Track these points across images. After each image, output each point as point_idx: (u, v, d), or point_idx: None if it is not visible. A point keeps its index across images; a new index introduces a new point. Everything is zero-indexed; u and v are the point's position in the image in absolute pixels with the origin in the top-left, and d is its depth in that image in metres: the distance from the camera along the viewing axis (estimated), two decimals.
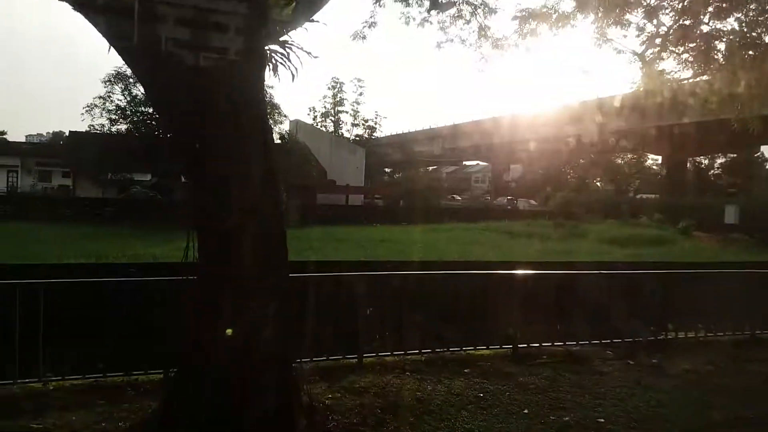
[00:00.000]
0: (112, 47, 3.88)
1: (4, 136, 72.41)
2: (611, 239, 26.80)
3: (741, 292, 9.06)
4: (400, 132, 75.37)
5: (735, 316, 8.99)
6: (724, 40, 9.21)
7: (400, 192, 49.49)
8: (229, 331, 4.01)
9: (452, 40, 9.56)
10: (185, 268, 4.51)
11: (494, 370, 6.47)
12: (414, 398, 5.47)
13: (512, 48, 9.58)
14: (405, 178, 52.70)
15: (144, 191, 30.88)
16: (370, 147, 60.27)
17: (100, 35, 3.84)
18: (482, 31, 9.35)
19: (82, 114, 34.58)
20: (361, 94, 66.47)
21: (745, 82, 8.61)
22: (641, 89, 10.42)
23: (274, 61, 4.82)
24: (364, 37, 9.27)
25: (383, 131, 71.00)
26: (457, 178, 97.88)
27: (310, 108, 69.17)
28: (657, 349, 7.79)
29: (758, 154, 56.74)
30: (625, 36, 10.27)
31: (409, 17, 9.37)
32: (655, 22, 9.82)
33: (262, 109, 4.39)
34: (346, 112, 66.55)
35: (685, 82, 10.20)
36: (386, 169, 64.93)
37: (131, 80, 31.24)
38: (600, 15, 9.20)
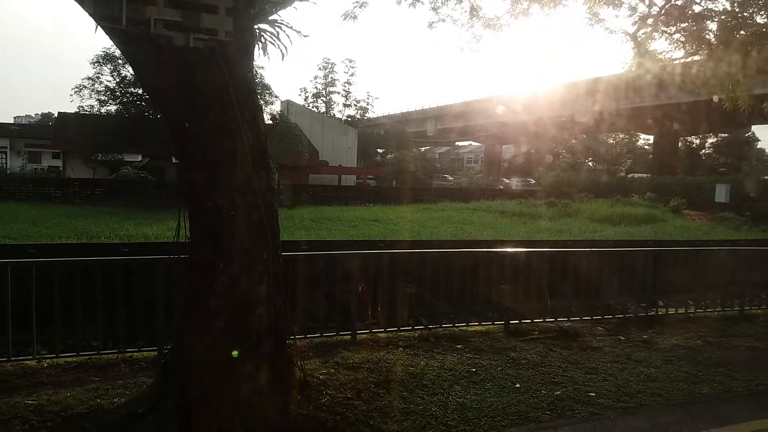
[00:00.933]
0: (99, 28, 3.84)
1: None
2: (603, 218, 26.99)
3: (729, 269, 9.19)
4: (393, 113, 75.21)
5: (724, 292, 9.11)
6: (716, 20, 9.18)
7: (392, 172, 49.53)
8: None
9: (444, 20, 9.43)
10: (177, 248, 4.51)
11: (486, 346, 6.54)
12: (407, 373, 5.52)
13: (504, 28, 9.48)
14: (397, 158, 52.59)
15: (135, 172, 30.57)
16: (362, 127, 60.12)
17: (87, 16, 3.79)
18: (474, 11, 9.24)
19: (71, 95, 34.08)
20: (352, 74, 66.25)
21: (737, 62, 8.60)
22: (633, 69, 10.37)
23: (263, 41, 4.79)
24: (354, 17, 9.11)
25: (375, 112, 70.85)
26: (449, 158, 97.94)
27: (301, 89, 68.85)
28: (648, 324, 7.90)
29: (749, 133, 56.89)
30: (617, 16, 10.24)
31: None
32: (647, 1, 9.75)
33: (251, 89, 4.35)
34: (338, 93, 66.31)
35: (677, 62, 10.16)
36: (378, 150, 64.77)
37: (120, 61, 30.77)
38: None
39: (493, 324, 7.43)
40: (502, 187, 50.51)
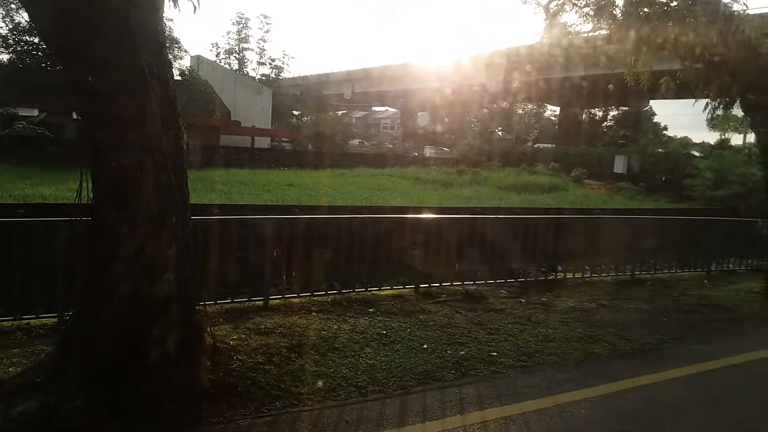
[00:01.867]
0: None
1: None
2: (509, 186, 28.22)
3: (623, 236, 9.91)
4: (310, 74, 73.56)
5: (617, 258, 9.84)
6: None
7: (308, 136, 48.72)
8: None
9: None
10: (79, 209, 4.28)
11: (397, 309, 6.74)
12: (319, 337, 5.60)
13: None
14: (313, 121, 51.74)
15: (31, 127, 28.16)
16: (278, 88, 58.47)
17: None
18: None
19: None
20: (267, 31, 64.14)
21: (639, 37, 9.10)
22: (544, 40, 10.73)
23: None
24: None
25: (291, 72, 69.09)
26: (366, 123, 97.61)
27: (212, 44, 65.89)
28: (547, 288, 8.42)
29: (647, 107, 60.53)
30: None
31: None
32: None
33: (161, 42, 4.13)
34: (252, 50, 63.99)
35: (586, 35, 10.60)
36: (294, 112, 63.43)
37: (13, 6, 28.08)
38: None
39: (404, 287, 7.65)
40: (417, 154, 51.16)
